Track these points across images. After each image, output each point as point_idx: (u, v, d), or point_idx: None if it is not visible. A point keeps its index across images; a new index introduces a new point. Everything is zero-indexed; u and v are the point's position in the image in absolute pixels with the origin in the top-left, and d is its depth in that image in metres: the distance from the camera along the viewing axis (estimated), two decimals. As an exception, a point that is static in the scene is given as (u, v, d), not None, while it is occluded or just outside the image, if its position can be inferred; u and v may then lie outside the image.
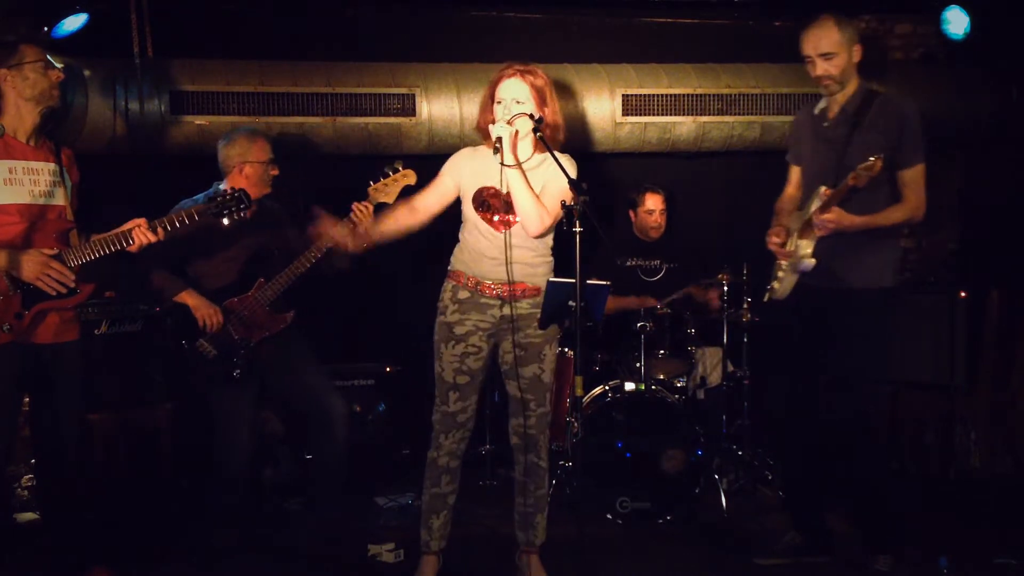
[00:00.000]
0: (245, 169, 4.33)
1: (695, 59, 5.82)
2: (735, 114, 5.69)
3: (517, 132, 3.63)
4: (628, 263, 5.59)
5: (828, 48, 3.86)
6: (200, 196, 4.33)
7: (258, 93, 5.17)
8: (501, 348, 3.81)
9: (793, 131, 4.24)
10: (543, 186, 3.70)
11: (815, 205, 3.86)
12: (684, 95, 5.65)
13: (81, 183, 3.82)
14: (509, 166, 3.58)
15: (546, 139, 3.64)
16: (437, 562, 3.86)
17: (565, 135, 3.80)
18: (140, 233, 3.61)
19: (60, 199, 3.67)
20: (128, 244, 3.62)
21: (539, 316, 3.73)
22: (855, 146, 3.84)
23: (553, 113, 3.71)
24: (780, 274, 4.11)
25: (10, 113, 3.61)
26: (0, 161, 3.55)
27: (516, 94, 3.66)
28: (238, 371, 4.24)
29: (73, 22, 4.90)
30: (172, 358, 4.89)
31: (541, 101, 3.68)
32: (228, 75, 5.19)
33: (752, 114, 5.70)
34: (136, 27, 4.89)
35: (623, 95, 5.59)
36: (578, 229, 4.10)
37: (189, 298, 4.25)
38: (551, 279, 5.21)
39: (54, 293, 3.56)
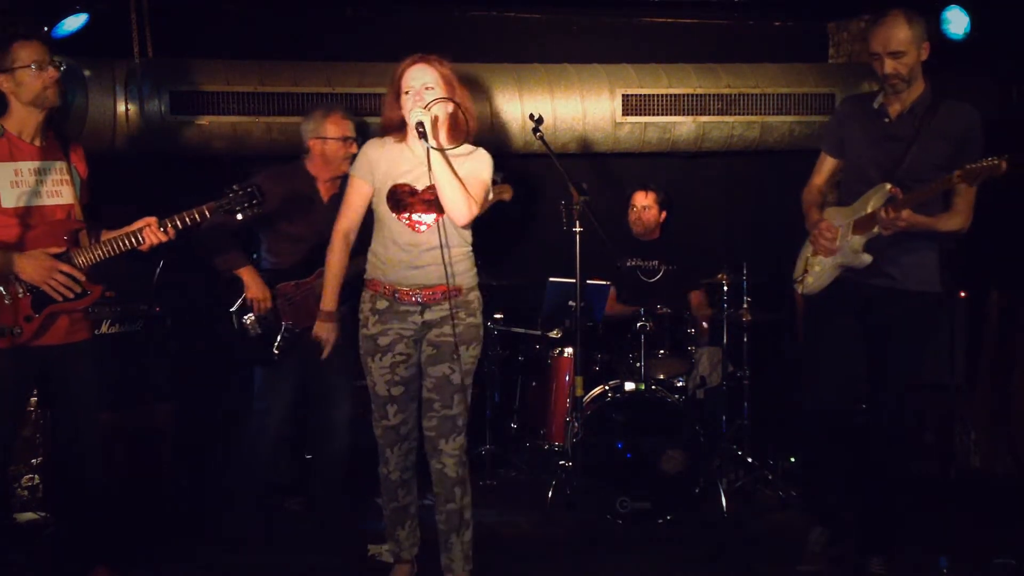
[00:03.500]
0: (318, 145, 4.33)
1: (695, 59, 5.82)
2: (735, 114, 5.69)
3: (437, 118, 3.50)
4: (628, 264, 5.60)
5: (898, 46, 3.74)
6: (288, 166, 4.39)
7: (258, 93, 5.16)
8: (421, 348, 3.65)
9: (837, 122, 4.10)
10: (464, 176, 3.54)
11: (875, 202, 3.77)
12: (684, 95, 5.65)
13: (90, 178, 3.78)
14: (438, 149, 3.45)
15: (459, 127, 3.55)
16: (410, 569, 3.81)
17: (474, 128, 3.64)
18: (151, 232, 3.59)
19: (68, 198, 3.64)
20: (139, 244, 3.61)
21: (460, 313, 3.58)
22: (920, 146, 3.76)
23: (465, 99, 3.57)
24: (817, 268, 4.01)
25: (13, 114, 3.58)
26: (5, 164, 3.51)
27: (426, 80, 3.51)
28: (276, 354, 4.24)
29: (73, 22, 4.90)
30: (172, 358, 4.92)
31: (451, 88, 3.53)
32: (228, 75, 5.19)
33: (752, 114, 5.70)
34: (136, 27, 4.90)
35: (623, 95, 5.58)
36: (578, 229, 4.12)
37: (246, 274, 4.27)
38: (552, 279, 5.24)
39: (61, 299, 3.53)
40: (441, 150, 3.48)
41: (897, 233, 3.73)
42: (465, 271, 3.63)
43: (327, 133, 4.35)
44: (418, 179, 3.56)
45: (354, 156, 4.33)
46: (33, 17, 4.79)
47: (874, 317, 3.89)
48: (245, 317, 4.27)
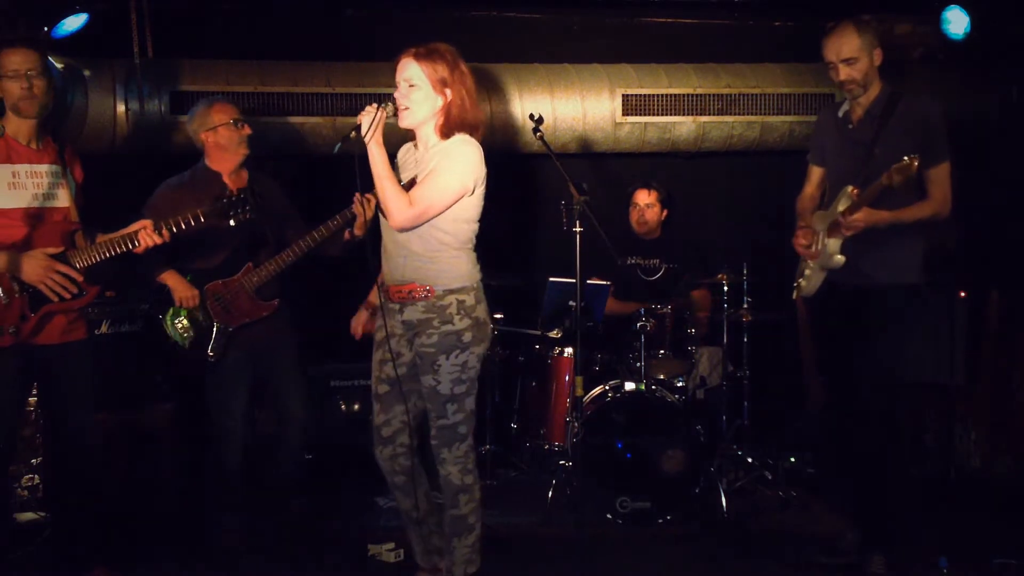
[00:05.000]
0: (211, 137, 4.27)
1: (695, 59, 5.82)
2: (735, 114, 5.69)
3: (383, 117, 3.37)
4: (628, 262, 5.59)
5: (849, 53, 3.91)
6: (186, 173, 4.31)
7: (258, 93, 5.17)
8: None
9: (816, 132, 4.28)
10: (429, 171, 3.44)
11: (842, 205, 3.90)
12: (684, 95, 5.65)
13: (85, 182, 3.82)
14: (339, 152, 3.36)
15: (450, 123, 3.44)
16: None
17: (478, 123, 3.53)
18: (146, 235, 3.63)
19: (64, 200, 3.68)
20: (134, 246, 3.63)
21: (434, 321, 3.45)
22: (881, 147, 3.89)
23: (459, 98, 3.44)
24: (807, 272, 4.14)
25: (10, 118, 3.62)
26: (3, 166, 3.56)
27: (409, 75, 3.42)
28: (212, 355, 4.21)
29: (73, 22, 4.91)
30: (172, 358, 4.91)
31: (441, 84, 3.42)
32: (228, 75, 5.20)
33: (752, 114, 5.70)
34: (136, 27, 4.90)
35: (623, 95, 5.59)
36: (578, 229, 4.11)
37: (169, 279, 4.21)
38: (552, 279, 5.23)
39: (57, 299, 3.55)
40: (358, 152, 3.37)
41: (870, 230, 3.84)
42: (441, 272, 3.47)
43: (215, 122, 4.26)
44: (407, 173, 3.55)
45: (248, 137, 4.30)
46: (33, 17, 4.79)
47: (857, 315, 3.97)
48: (176, 321, 4.24)
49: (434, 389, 3.48)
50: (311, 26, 5.66)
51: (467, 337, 3.47)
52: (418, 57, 3.43)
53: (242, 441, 4.34)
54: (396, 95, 3.46)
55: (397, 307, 3.51)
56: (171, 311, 4.22)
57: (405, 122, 3.47)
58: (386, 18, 5.75)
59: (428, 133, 3.51)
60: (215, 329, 4.23)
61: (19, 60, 3.59)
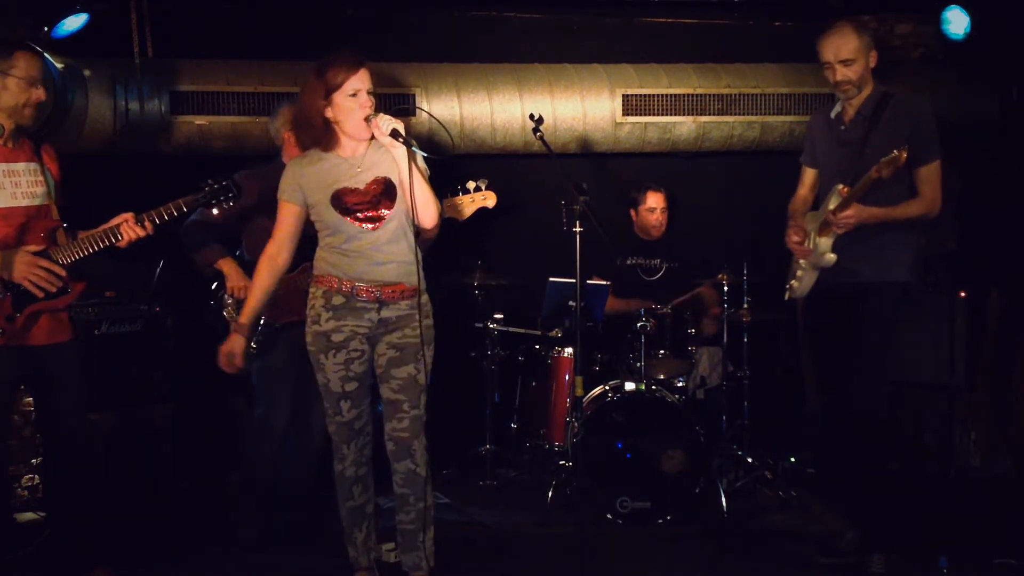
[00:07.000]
0: (292, 137, 4.29)
1: (695, 59, 5.82)
2: (735, 114, 5.70)
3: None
4: (628, 262, 5.59)
5: (848, 55, 3.92)
6: (262, 167, 4.33)
7: (258, 93, 5.17)
8: (376, 351, 3.65)
9: (808, 134, 4.30)
10: (410, 168, 3.53)
11: (833, 203, 3.93)
12: (684, 95, 5.66)
13: (64, 180, 3.78)
14: (425, 155, 3.53)
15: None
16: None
17: None
18: (128, 228, 3.60)
19: (43, 198, 3.65)
20: (117, 240, 3.61)
21: (417, 315, 3.59)
22: (871, 146, 3.91)
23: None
24: (799, 273, 4.16)
25: None
26: None
27: (369, 86, 3.52)
28: (253, 347, 4.19)
29: (73, 22, 4.91)
30: (172, 358, 4.91)
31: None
32: (228, 75, 5.20)
33: (752, 114, 5.71)
34: (136, 27, 4.90)
35: (623, 95, 5.59)
36: (578, 229, 4.12)
37: (225, 265, 4.29)
38: (552, 279, 5.24)
39: (42, 295, 3.54)
40: (424, 155, 3.50)
41: (861, 228, 3.86)
42: (417, 272, 3.62)
43: None
44: (353, 180, 3.57)
45: None
46: (33, 17, 4.79)
47: (847, 314, 3.99)
48: (224, 308, 4.26)
49: (414, 378, 3.61)
50: (311, 26, 5.66)
51: (434, 332, 3.67)
52: (368, 68, 3.55)
53: (282, 439, 4.35)
54: (357, 104, 3.49)
55: (374, 306, 3.57)
56: (220, 297, 4.28)
57: (370, 132, 3.54)
58: (386, 18, 5.75)
59: (361, 141, 3.59)
60: (260, 322, 4.22)
61: (35, 66, 3.60)
